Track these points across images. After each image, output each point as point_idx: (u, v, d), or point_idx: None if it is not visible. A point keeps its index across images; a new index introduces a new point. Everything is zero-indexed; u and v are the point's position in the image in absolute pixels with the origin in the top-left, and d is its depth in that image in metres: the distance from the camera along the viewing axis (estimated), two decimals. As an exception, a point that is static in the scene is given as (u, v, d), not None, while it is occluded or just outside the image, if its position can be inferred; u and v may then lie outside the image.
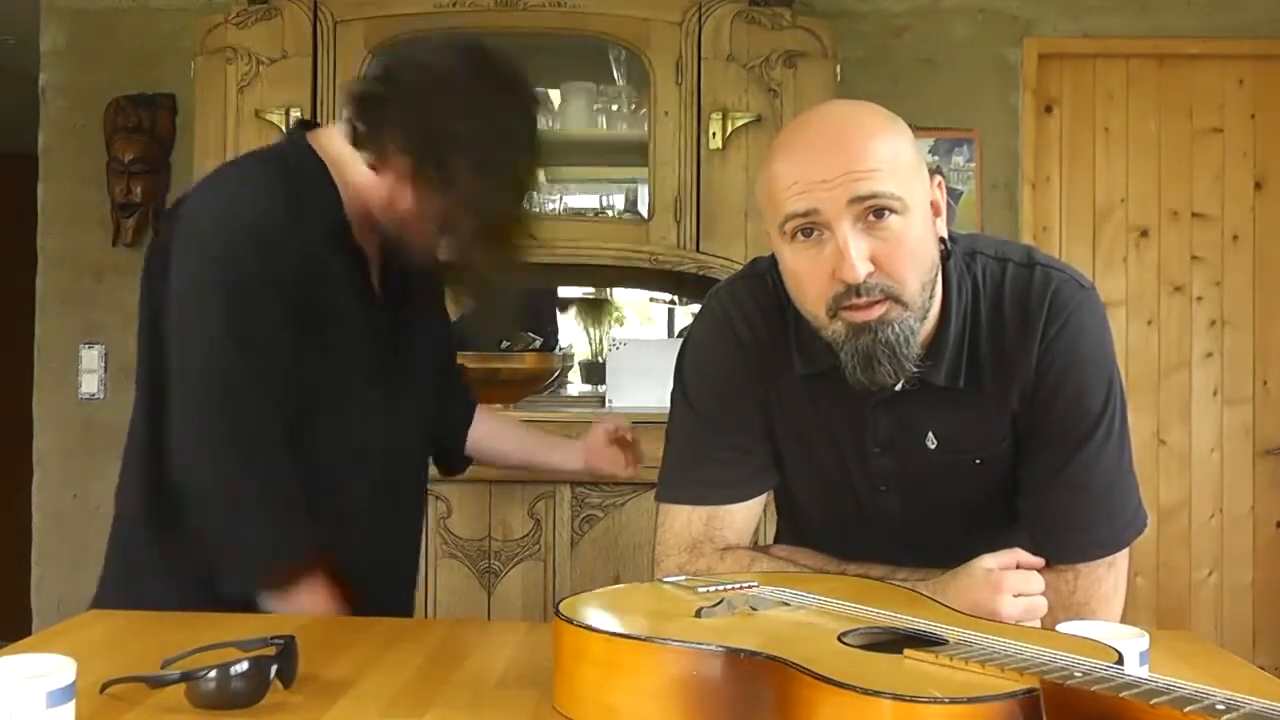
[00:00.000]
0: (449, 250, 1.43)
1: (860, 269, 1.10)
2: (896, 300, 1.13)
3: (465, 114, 1.35)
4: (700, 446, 1.31)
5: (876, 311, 1.13)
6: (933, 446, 1.25)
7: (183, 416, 1.34)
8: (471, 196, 1.36)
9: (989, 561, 1.14)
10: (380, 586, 1.47)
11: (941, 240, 1.20)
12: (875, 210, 1.11)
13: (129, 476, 1.46)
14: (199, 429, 1.33)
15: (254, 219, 1.35)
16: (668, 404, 1.37)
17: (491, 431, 1.76)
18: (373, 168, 1.38)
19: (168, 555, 1.40)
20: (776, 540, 1.46)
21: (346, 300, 1.43)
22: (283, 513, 1.34)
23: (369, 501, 1.47)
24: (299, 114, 2.55)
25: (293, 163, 1.43)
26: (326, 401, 1.41)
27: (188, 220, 1.38)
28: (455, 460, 1.74)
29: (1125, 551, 1.24)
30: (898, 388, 1.20)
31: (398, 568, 1.58)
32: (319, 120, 2.51)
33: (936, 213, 1.19)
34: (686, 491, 1.31)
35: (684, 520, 1.30)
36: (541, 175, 1.46)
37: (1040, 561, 1.16)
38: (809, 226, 1.13)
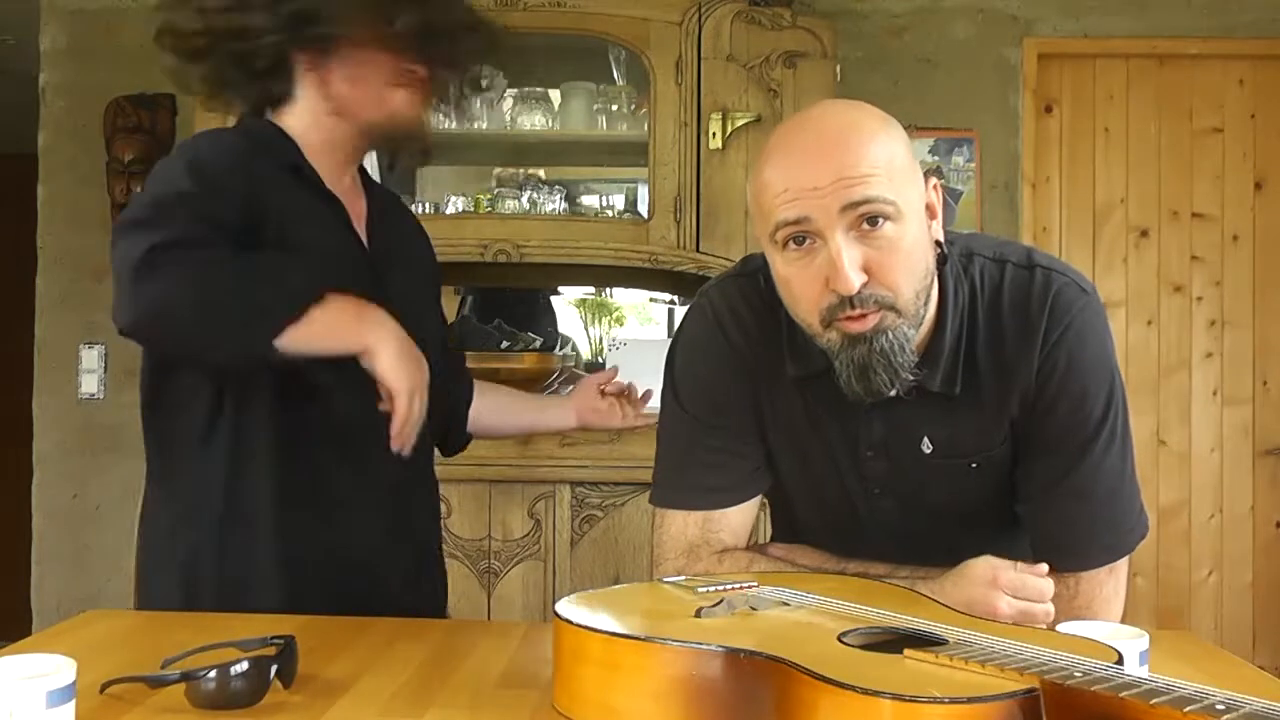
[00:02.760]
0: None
1: (854, 280, 1.08)
2: (891, 309, 1.11)
3: None
4: (694, 449, 1.30)
5: (871, 321, 1.10)
6: (927, 451, 1.24)
7: (119, 263, 1.25)
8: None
9: (988, 560, 1.13)
10: (394, 566, 1.44)
11: (937, 244, 1.18)
12: (869, 218, 1.08)
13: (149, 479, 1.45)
14: (135, 260, 1.23)
15: (195, 152, 1.35)
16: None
17: (487, 406, 1.75)
18: (283, 99, 1.41)
19: (174, 551, 1.38)
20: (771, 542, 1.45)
21: (324, 235, 1.40)
22: (253, 268, 1.27)
23: (365, 474, 1.41)
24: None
25: (248, 123, 1.46)
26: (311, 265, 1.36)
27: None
28: (457, 439, 1.73)
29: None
30: (892, 393, 1.18)
31: (416, 544, 1.53)
32: None
33: (932, 216, 1.16)
34: (681, 496, 1.30)
35: (680, 524, 1.29)
36: None
37: (1044, 568, 1.15)
38: (800, 235, 1.10)
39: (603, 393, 1.77)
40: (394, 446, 1.29)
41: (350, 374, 1.31)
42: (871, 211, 1.08)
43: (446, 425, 1.68)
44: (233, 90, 1.46)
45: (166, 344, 1.31)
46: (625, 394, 1.78)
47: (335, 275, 1.37)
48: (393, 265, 1.49)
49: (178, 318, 1.24)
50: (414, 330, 1.49)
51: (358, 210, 1.48)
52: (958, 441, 1.23)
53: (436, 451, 1.68)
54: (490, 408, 1.76)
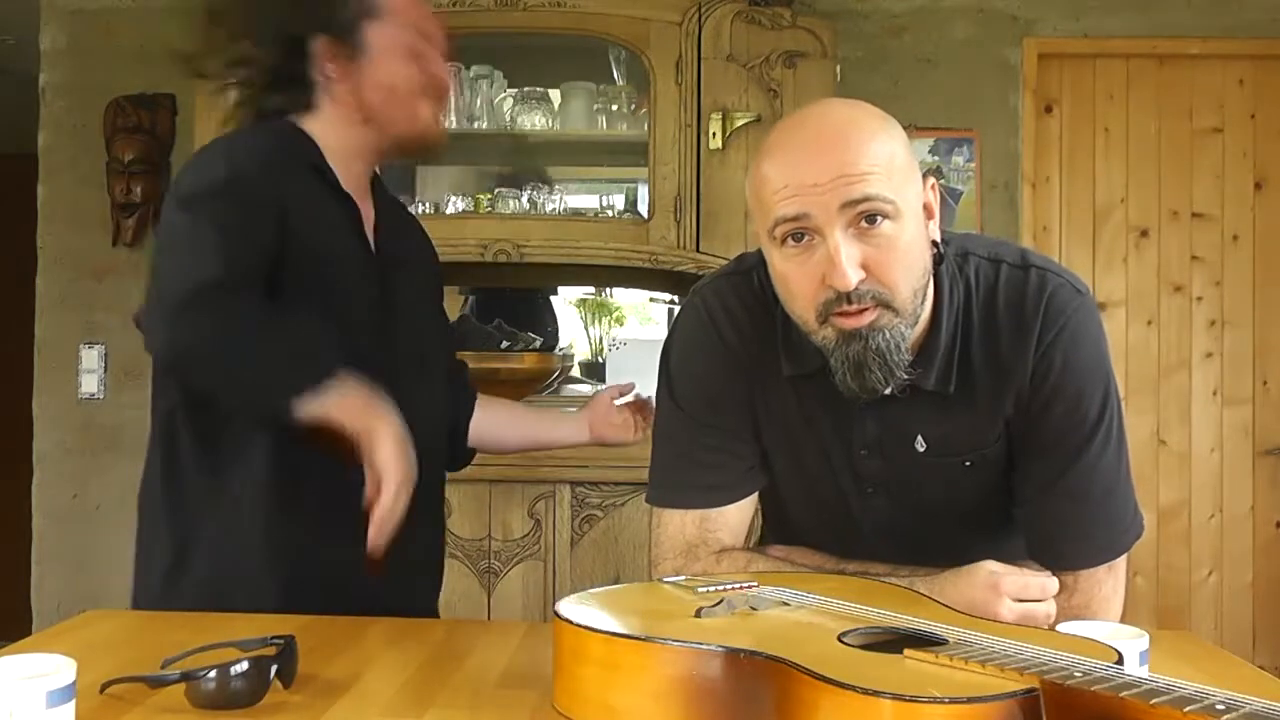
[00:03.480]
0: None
1: (851, 276, 1.08)
2: (888, 307, 1.11)
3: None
4: (690, 448, 1.30)
5: (867, 318, 1.11)
6: (921, 449, 1.24)
7: (160, 294, 1.30)
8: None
9: (992, 565, 1.13)
10: (404, 569, 1.46)
11: (934, 243, 1.18)
12: (867, 215, 1.08)
13: (150, 471, 1.45)
14: (178, 297, 1.29)
15: (230, 149, 1.39)
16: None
17: (492, 419, 1.73)
18: (308, 107, 1.43)
19: (182, 546, 1.39)
20: (760, 542, 1.45)
21: (337, 240, 1.43)
22: (284, 333, 1.31)
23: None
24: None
25: (270, 124, 1.47)
26: (336, 341, 1.38)
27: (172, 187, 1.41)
28: (459, 453, 1.71)
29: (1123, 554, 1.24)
30: (887, 391, 1.18)
31: (417, 563, 1.55)
32: None
33: (929, 215, 1.17)
34: (678, 495, 1.30)
35: (677, 524, 1.29)
36: None
37: (1047, 574, 1.15)
38: (799, 231, 1.10)
39: (617, 406, 1.76)
40: (371, 541, 1.28)
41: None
42: (870, 209, 1.08)
43: (448, 439, 1.67)
44: (260, 99, 1.48)
45: (191, 383, 1.36)
46: (639, 407, 1.76)
47: (346, 280, 1.41)
48: (398, 272, 1.50)
49: (209, 367, 1.30)
50: (417, 338, 1.50)
51: (368, 215, 1.50)
52: (952, 440, 1.23)
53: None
54: (496, 421, 1.74)
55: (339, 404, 1.27)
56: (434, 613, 1.58)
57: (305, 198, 1.39)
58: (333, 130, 1.45)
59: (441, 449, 1.61)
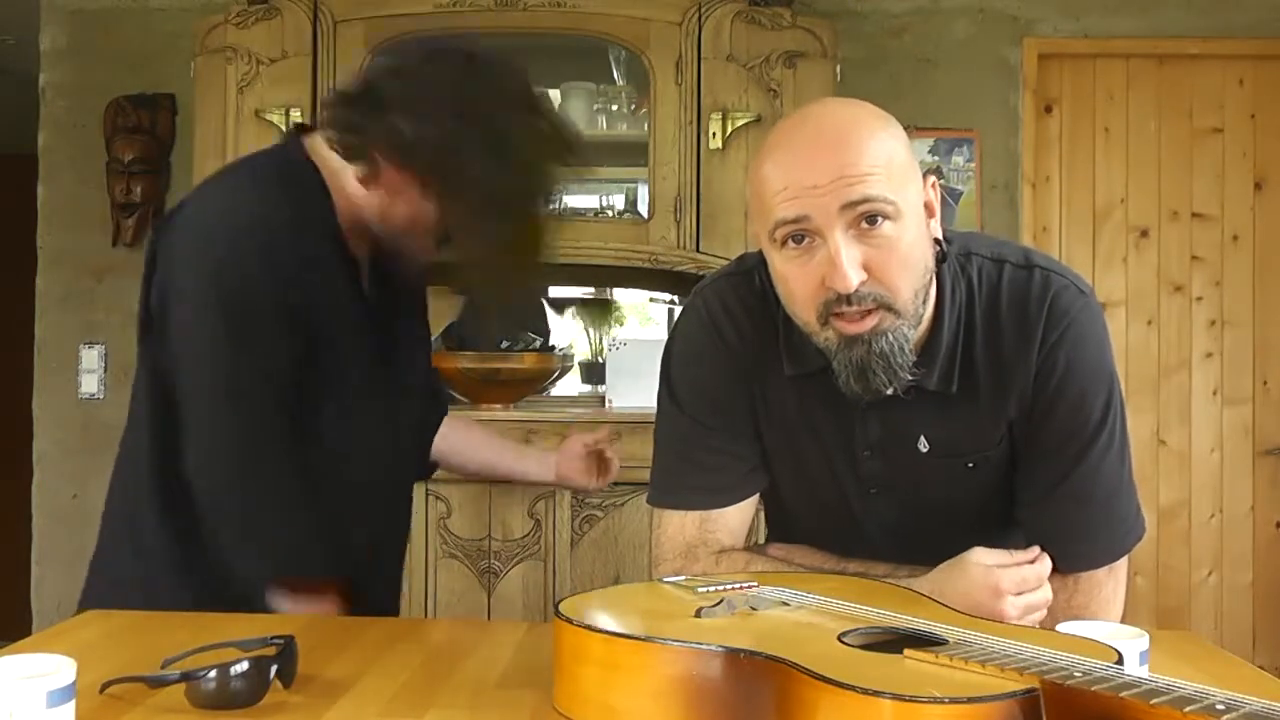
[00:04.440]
0: (455, 254, 1.42)
1: (852, 278, 1.07)
2: (889, 309, 1.10)
3: (456, 124, 1.31)
4: (690, 449, 1.30)
5: (869, 323, 1.10)
6: (924, 450, 1.23)
7: (194, 425, 1.35)
8: (475, 208, 1.35)
9: (983, 557, 1.13)
10: (367, 586, 1.47)
11: (936, 242, 1.18)
12: (868, 216, 1.08)
13: (135, 471, 1.46)
14: (210, 437, 1.35)
15: (252, 225, 1.34)
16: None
17: (459, 439, 1.75)
18: (363, 181, 1.37)
19: (184, 551, 1.39)
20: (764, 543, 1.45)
21: (341, 305, 1.43)
22: (298, 517, 1.36)
23: (364, 503, 1.46)
24: (299, 115, 2.56)
25: (288, 169, 1.42)
26: (325, 405, 1.41)
27: (186, 226, 1.38)
28: (420, 465, 1.73)
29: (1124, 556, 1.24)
30: (889, 392, 1.17)
31: (385, 568, 1.58)
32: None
33: (930, 214, 1.16)
34: (678, 496, 1.30)
35: (677, 525, 1.29)
36: (558, 173, 1.43)
37: (1034, 553, 1.15)
38: (799, 233, 1.10)
39: (588, 452, 1.81)
40: None
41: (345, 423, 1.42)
42: (871, 210, 1.08)
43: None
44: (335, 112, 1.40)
45: (205, 521, 1.37)
46: (600, 456, 1.81)
47: (343, 343, 1.42)
48: (389, 311, 1.51)
49: (230, 528, 1.36)
50: (400, 366, 1.54)
51: (363, 258, 1.48)
52: (955, 441, 1.23)
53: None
54: (463, 442, 1.76)
55: (310, 607, 1.33)
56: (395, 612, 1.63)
57: (312, 259, 1.39)
58: (354, 197, 1.40)
59: (414, 461, 1.64)
